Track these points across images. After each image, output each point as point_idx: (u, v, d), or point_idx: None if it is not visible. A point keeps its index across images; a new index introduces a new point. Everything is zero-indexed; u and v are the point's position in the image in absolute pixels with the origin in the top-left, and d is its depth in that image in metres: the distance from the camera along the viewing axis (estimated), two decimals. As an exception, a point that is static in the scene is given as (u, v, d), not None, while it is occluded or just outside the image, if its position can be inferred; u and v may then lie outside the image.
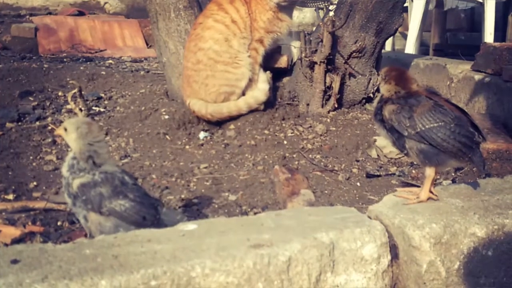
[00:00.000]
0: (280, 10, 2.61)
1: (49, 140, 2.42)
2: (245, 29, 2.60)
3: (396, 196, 1.41)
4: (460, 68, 2.84)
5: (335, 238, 1.20)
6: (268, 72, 2.72)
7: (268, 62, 2.76)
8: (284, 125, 2.61)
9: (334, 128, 2.60)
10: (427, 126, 1.30)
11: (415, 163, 2.15)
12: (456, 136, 1.30)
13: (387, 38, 2.75)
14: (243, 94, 2.63)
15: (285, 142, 2.45)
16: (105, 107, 2.77)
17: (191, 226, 1.22)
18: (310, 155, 2.33)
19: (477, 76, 2.66)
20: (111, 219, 1.28)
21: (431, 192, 1.37)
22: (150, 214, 1.32)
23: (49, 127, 2.53)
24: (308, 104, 2.74)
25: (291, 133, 2.55)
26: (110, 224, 1.29)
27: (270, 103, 2.70)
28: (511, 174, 1.97)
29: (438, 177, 2.11)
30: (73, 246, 1.15)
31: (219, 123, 2.58)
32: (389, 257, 1.24)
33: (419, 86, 1.41)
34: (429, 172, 1.35)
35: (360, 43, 2.65)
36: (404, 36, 5.37)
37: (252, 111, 2.61)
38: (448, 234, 1.21)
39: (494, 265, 1.24)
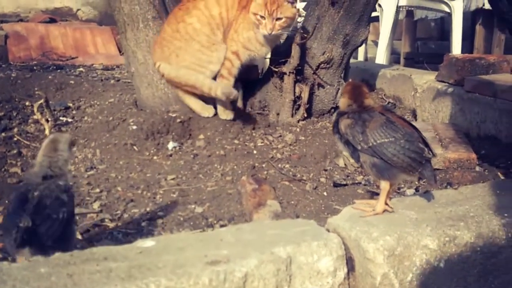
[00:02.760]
0: (262, 36, 2.59)
1: (15, 151, 2.39)
2: (225, 29, 2.61)
3: (354, 208, 1.44)
4: (424, 79, 2.90)
5: (293, 252, 1.22)
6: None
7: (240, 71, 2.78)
8: (254, 134, 2.63)
9: (303, 138, 2.63)
10: (378, 141, 1.34)
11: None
12: (405, 151, 1.34)
13: (354, 50, 2.80)
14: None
15: (254, 151, 2.47)
16: (72, 117, 2.75)
17: (149, 242, 1.23)
18: (279, 165, 2.35)
19: (441, 87, 2.73)
20: None
21: (386, 204, 1.40)
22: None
23: (15, 138, 2.49)
24: (278, 114, 2.77)
25: (261, 142, 2.57)
26: None
27: (240, 113, 2.74)
28: (472, 183, 2.03)
29: (402, 185, 2.15)
30: (28, 264, 1.14)
31: (189, 134, 2.59)
32: (346, 270, 1.26)
33: (374, 102, 1.45)
34: (384, 185, 1.39)
35: (327, 54, 2.69)
36: (377, 45, 5.46)
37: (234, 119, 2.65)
38: (401, 246, 1.24)
39: (446, 276, 1.27)
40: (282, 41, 2.83)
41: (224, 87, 2.57)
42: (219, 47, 2.61)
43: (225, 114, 2.65)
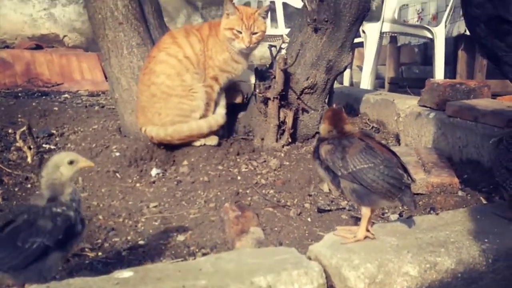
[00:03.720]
0: (237, 53, 2.66)
1: (-4, 179, 2.35)
2: (198, 65, 2.64)
3: (335, 235, 1.43)
4: (407, 103, 2.93)
5: (273, 282, 1.20)
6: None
7: (224, 97, 2.80)
8: (238, 160, 2.62)
9: (287, 163, 2.62)
10: (358, 167, 1.34)
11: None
12: (384, 177, 1.34)
13: (337, 75, 2.83)
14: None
15: (239, 177, 2.46)
16: (56, 144, 2.73)
17: (127, 273, 1.21)
18: (264, 191, 2.34)
19: (423, 111, 2.76)
20: None
21: (368, 230, 1.40)
22: None
23: (-3, 166, 2.46)
24: (262, 139, 2.78)
25: (245, 168, 2.56)
26: None
27: (225, 138, 2.75)
28: (454, 207, 2.03)
29: (386, 210, 2.15)
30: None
31: (173, 160, 2.58)
32: (327, 299, 1.25)
33: (354, 128, 1.46)
34: (365, 211, 1.38)
35: (311, 79, 2.72)
36: (362, 70, 5.53)
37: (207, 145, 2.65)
38: (382, 274, 1.24)
39: (427, 303, 1.26)
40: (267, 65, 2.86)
41: (217, 119, 2.68)
42: (196, 92, 2.62)
43: (210, 140, 2.65)
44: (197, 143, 2.63)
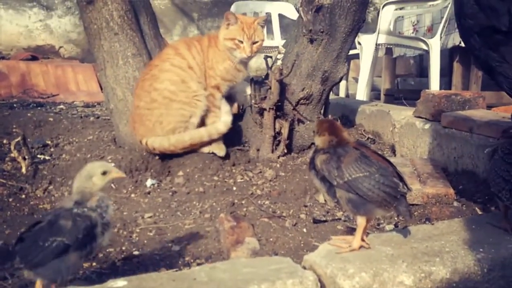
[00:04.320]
0: (238, 62, 2.68)
1: (-10, 190, 2.33)
2: (201, 75, 2.66)
3: (331, 244, 1.43)
4: (402, 114, 2.94)
5: (267, 291, 1.19)
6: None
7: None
8: (234, 170, 2.62)
9: (283, 173, 2.62)
10: (353, 176, 1.34)
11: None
12: (380, 186, 1.34)
13: (333, 86, 2.84)
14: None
15: (234, 188, 2.45)
16: (50, 155, 2.72)
17: (120, 283, 1.20)
18: (259, 201, 2.33)
19: (418, 122, 2.76)
20: None
21: (363, 240, 1.39)
22: None
23: (-9, 177, 2.45)
24: (258, 150, 2.78)
25: (241, 178, 2.56)
26: None
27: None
28: (450, 218, 2.03)
29: (382, 221, 2.14)
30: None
31: (168, 171, 2.57)
32: (321, 308, 1.24)
33: (350, 136, 1.46)
34: (360, 220, 1.38)
35: (307, 90, 2.73)
36: (358, 81, 5.56)
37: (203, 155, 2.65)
38: (377, 283, 1.23)
39: (422, 313, 1.25)
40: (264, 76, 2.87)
41: (217, 127, 2.67)
42: (198, 100, 2.63)
43: (218, 149, 2.67)
44: (205, 150, 2.65)
